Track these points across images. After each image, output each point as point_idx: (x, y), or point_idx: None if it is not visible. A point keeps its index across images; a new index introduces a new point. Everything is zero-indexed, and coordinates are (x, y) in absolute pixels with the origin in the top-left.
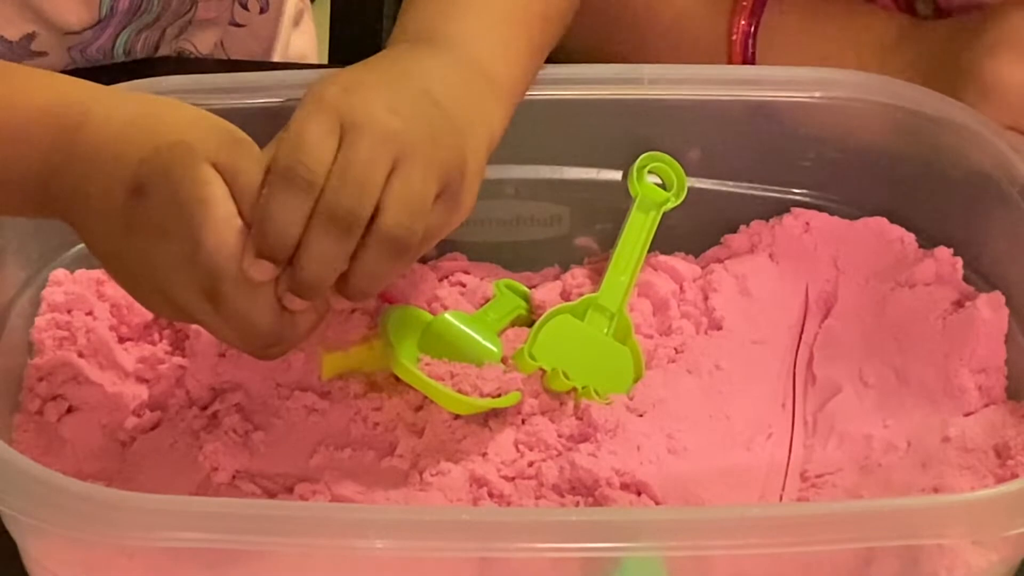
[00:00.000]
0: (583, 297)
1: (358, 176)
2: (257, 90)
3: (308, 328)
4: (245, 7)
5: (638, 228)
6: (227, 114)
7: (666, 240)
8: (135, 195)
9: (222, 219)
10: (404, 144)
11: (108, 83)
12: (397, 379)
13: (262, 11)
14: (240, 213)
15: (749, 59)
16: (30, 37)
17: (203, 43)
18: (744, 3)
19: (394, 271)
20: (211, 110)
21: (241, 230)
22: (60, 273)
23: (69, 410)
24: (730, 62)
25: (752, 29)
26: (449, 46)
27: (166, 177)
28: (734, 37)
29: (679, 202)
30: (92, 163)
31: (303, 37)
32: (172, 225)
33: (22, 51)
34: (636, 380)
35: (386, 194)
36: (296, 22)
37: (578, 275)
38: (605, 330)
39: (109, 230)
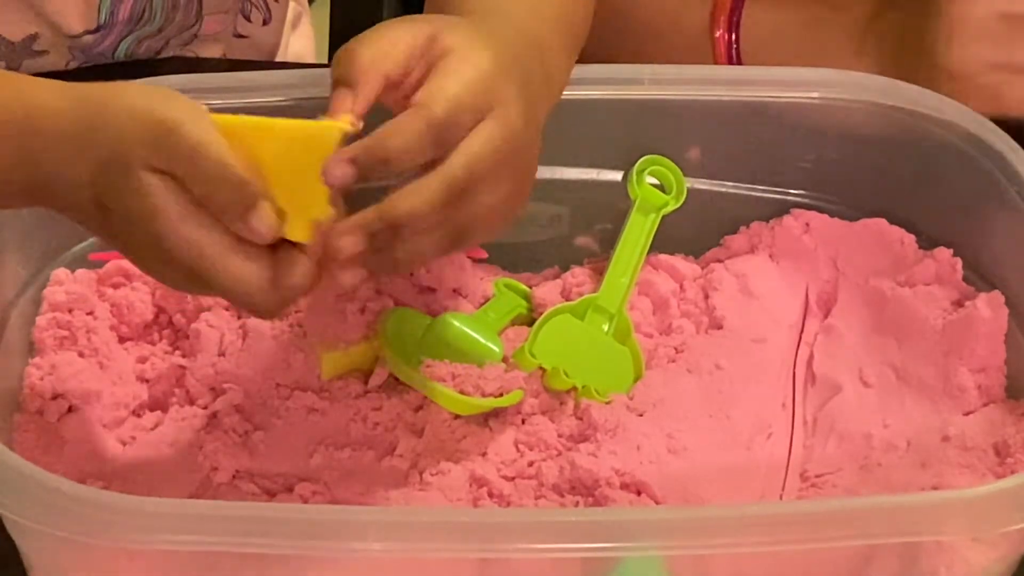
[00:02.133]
0: (583, 297)
1: (481, 171)
2: (258, 89)
3: (306, 284)
4: (248, 18)
5: (637, 230)
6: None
7: (666, 241)
8: (100, 209)
9: (176, 221)
10: (516, 162)
11: (106, 78)
12: (397, 379)
13: (265, 23)
14: (195, 198)
15: (734, 57)
16: (32, 38)
17: (207, 55)
18: (721, 9)
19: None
20: (212, 110)
21: (200, 221)
22: (61, 272)
23: (69, 410)
24: (715, 62)
25: (732, 37)
26: (522, 31)
27: (114, 195)
28: (717, 35)
29: (678, 205)
30: (53, 168)
31: (301, 40)
32: (137, 234)
33: (24, 51)
34: (636, 380)
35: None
36: (294, 25)
37: (578, 275)
38: (605, 329)
39: (90, 224)
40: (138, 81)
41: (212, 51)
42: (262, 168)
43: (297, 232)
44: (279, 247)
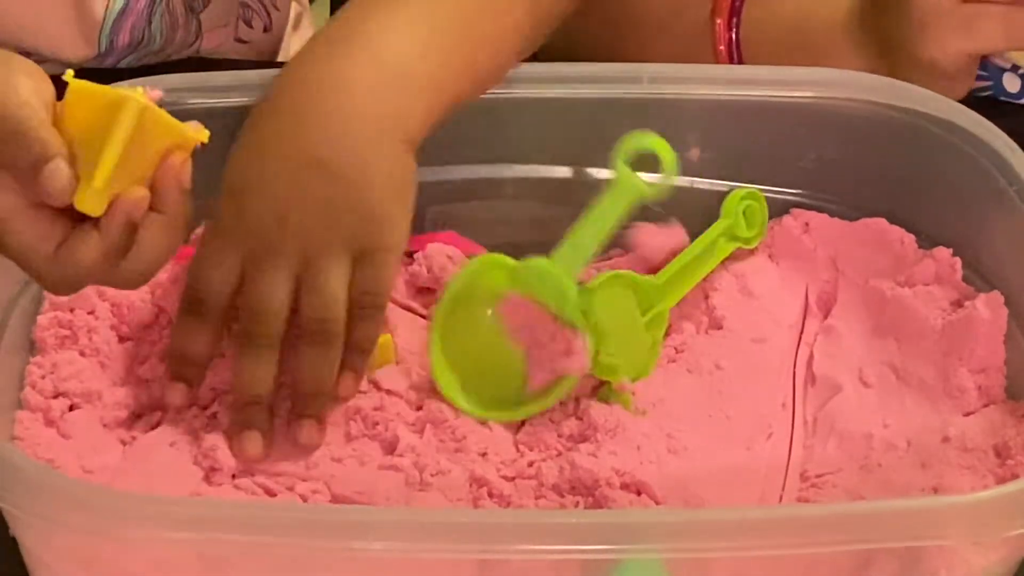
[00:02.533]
0: (646, 277)
1: (267, 306)
2: (259, 89)
3: (91, 263)
4: (249, 24)
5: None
6: (230, 113)
7: None
8: None
9: None
10: (304, 253)
11: (110, 82)
12: (398, 378)
13: (265, 29)
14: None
15: (734, 44)
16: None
17: None
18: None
19: (330, 358)
20: (213, 109)
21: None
22: None
23: (70, 408)
24: (715, 57)
25: (734, 35)
26: (364, 44)
27: None
28: (718, 22)
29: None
30: None
31: (301, 40)
32: None
33: None
34: (641, 376)
35: (299, 299)
36: (295, 26)
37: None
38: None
39: None
40: (137, 80)
41: None
42: (97, 138)
43: (92, 203)
44: (79, 222)
